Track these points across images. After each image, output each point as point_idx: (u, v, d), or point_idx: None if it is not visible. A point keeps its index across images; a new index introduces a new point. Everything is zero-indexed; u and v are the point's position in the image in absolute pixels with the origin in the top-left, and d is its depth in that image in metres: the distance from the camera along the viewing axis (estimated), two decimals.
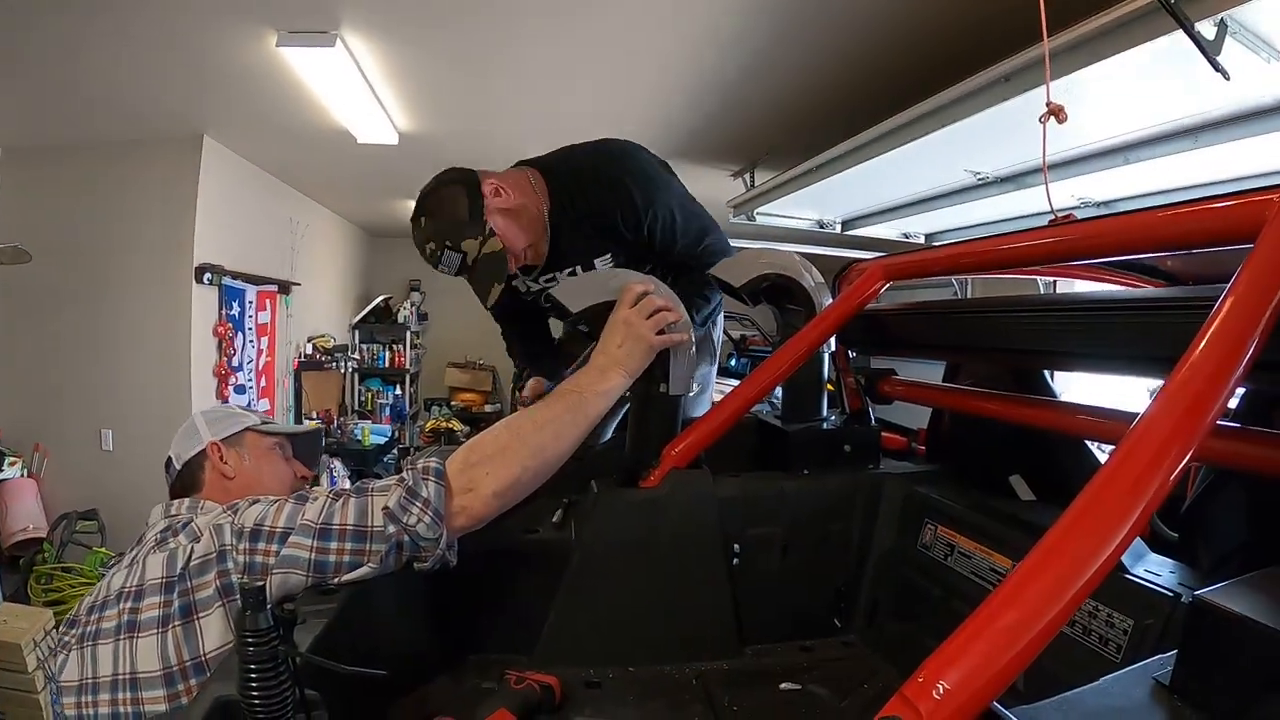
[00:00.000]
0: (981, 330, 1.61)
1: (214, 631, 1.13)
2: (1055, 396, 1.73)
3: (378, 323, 9.62)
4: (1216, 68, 2.02)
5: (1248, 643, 0.65)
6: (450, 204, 1.97)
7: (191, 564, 1.14)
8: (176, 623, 1.11)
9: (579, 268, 2.19)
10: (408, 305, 9.85)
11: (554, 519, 1.59)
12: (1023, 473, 1.71)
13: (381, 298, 9.67)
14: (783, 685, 1.43)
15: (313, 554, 1.14)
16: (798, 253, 1.94)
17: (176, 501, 1.40)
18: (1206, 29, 1.97)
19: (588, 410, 1.40)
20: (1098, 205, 3.98)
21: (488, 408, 10.09)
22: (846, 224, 5.66)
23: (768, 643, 1.60)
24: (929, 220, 5.20)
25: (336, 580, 1.16)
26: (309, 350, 7.67)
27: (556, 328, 2.79)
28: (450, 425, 9.31)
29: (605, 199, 2.08)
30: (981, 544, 1.46)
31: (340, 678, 0.92)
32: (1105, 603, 1.12)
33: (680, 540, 1.53)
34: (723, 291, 2.07)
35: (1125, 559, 1.13)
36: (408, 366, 9.76)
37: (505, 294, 2.05)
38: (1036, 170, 3.68)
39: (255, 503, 1.23)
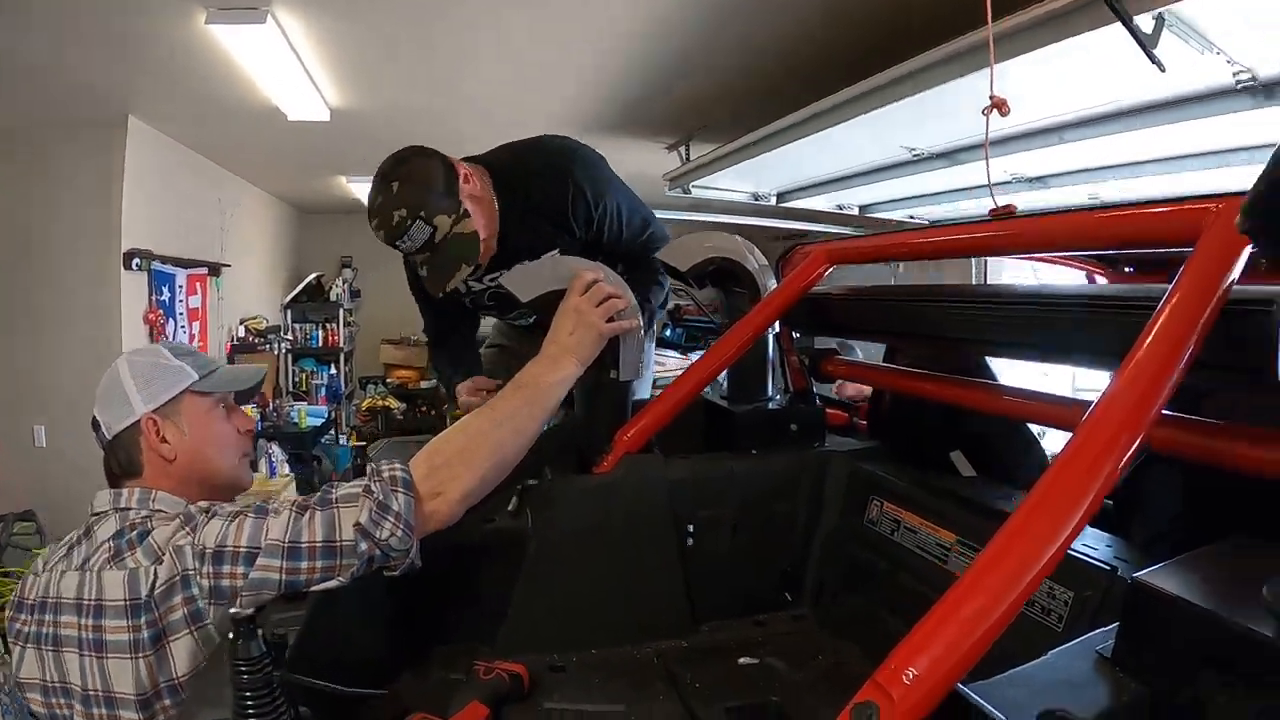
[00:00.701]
0: (918, 318, 1.66)
1: (184, 655, 1.12)
2: (993, 377, 1.80)
3: (310, 301, 9.38)
4: (1153, 60, 2.09)
5: (1183, 622, 0.70)
6: (427, 174, 1.88)
7: (156, 591, 1.11)
8: (148, 651, 1.10)
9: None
10: (339, 282, 9.63)
11: (509, 507, 1.60)
12: (962, 448, 1.78)
13: (313, 275, 9.44)
14: (741, 660, 1.48)
15: (283, 574, 1.13)
16: (738, 228, 1.97)
17: (125, 492, 1.33)
18: (1145, 22, 2.03)
19: (544, 402, 1.40)
20: (1030, 181, 4.08)
21: (424, 384, 9.96)
22: (782, 196, 5.70)
23: (720, 619, 1.65)
24: (863, 193, 5.27)
25: (305, 590, 1.16)
26: (241, 332, 7.47)
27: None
28: (387, 403, 9.17)
29: (555, 192, 2.06)
30: (926, 519, 1.51)
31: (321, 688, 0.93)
32: (1048, 577, 1.18)
33: (634, 523, 1.56)
34: (669, 275, 2.09)
35: None
36: (341, 345, 9.57)
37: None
38: (971, 147, 3.76)
39: (213, 517, 1.19)
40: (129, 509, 1.29)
